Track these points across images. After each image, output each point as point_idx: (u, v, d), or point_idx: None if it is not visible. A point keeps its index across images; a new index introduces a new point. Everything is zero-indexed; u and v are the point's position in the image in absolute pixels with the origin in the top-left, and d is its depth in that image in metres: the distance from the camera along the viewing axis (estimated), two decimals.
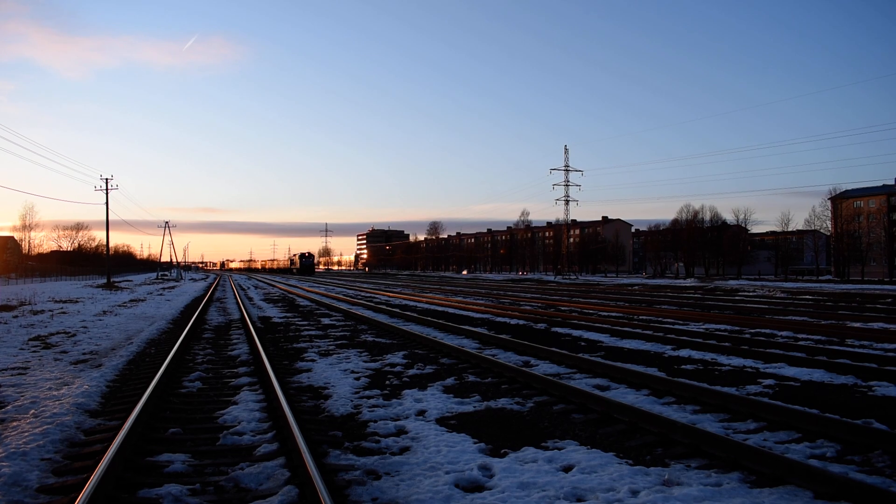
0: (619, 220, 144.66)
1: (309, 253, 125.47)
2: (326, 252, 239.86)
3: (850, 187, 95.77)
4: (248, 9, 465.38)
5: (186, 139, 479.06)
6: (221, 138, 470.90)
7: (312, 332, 15.90)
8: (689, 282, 62.74)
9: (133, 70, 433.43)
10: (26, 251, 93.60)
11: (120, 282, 63.66)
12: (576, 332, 14.96)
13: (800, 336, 14.09)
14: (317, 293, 36.06)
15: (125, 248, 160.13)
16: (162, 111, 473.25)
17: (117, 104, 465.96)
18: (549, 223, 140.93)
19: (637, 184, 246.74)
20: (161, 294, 38.55)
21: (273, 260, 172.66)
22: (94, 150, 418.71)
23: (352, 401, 7.89)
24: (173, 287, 51.93)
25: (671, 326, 15.91)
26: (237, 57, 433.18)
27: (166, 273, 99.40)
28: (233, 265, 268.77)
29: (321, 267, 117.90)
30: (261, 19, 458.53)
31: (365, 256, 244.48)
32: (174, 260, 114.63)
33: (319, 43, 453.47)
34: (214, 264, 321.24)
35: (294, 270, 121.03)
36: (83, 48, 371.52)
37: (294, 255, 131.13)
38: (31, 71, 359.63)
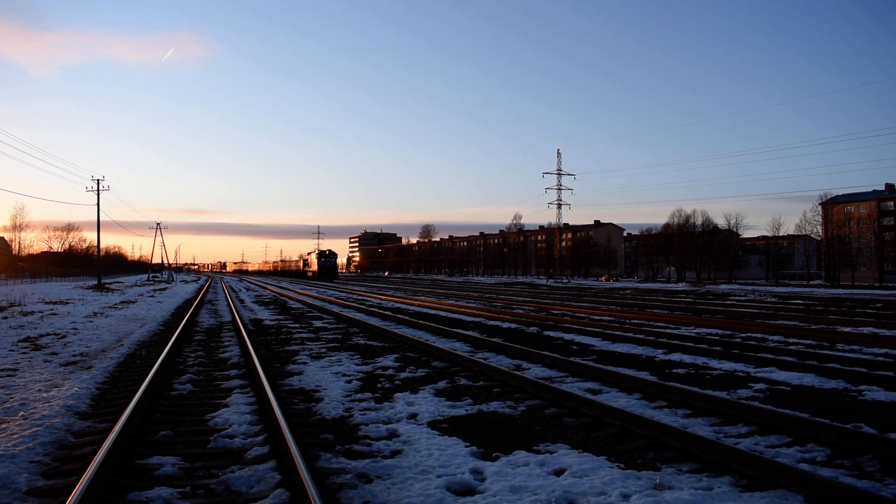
0: (611, 223, 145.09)
1: (329, 251, 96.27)
2: None
3: (840, 192, 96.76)
4: (230, 5, 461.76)
5: (174, 139, 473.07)
6: (211, 139, 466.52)
7: (304, 335, 15.85)
8: (681, 286, 63.03)
9: (102, 67, 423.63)
10: (16, 252, 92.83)
11: (111, 283, 63.28)
12: (567, 336, 14.98)
13: (790, 340, 14.15)
14: (309, 295, 36.00)
15: (116, 249, 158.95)
16: (142, 110, 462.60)
17: (91, 102, 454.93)
18: (541, 226, 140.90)
19: (629, 188, 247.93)
20: (152, 296, 38.35)
21: (284, 260, 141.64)
22: (75, 150, 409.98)
23: (343, 404, 7.87)
24: (164, 289, 51.66)
25: (662, 330, 15.95)
26: (209, 54, 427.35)
27: (157, 275, 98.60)
28: (234, 267, 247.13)
29: (312, 268, 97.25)
30: (249, 17, 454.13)
31: (357, 259, 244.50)
32: (165, 261, 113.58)
33: (309, 44, 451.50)
34: (213, 266, 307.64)
35: (309, 274, 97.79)
36: (50, 44, 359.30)
37: (308, 253, 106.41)
38: None
